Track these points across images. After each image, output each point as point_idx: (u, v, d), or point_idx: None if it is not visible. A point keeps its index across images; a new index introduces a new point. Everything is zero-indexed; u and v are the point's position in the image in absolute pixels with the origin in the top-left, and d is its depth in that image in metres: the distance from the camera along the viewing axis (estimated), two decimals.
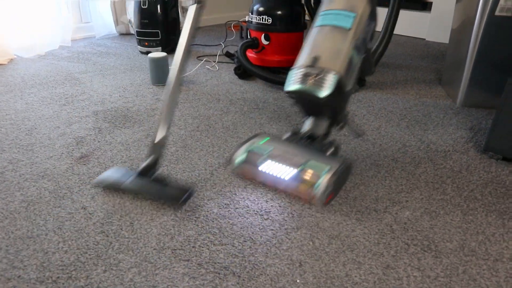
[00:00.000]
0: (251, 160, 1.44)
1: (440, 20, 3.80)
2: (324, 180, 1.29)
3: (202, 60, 3.14)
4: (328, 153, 1.47)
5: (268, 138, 1.50)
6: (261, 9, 2.61)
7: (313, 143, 1.50)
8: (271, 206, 1.35)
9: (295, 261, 1.12)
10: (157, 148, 1.42)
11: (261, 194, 1.42)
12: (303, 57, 1.45)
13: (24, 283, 1.04)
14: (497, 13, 1.97)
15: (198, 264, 1.10)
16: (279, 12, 2.57)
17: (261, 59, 2.71)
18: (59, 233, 1.21)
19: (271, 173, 1.40)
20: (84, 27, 3.89)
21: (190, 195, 1.40)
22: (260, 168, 1.42)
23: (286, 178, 1.36)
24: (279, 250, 1.16)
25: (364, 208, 1.35)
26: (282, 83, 2.55)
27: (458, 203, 1.39)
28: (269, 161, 1.41)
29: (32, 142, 1.76)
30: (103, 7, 3.88)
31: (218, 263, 1.11)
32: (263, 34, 2.64)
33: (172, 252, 1.15)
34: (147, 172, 1.42)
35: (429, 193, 1.44)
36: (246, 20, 2.90)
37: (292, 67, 1.48)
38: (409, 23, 4.05)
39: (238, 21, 4.16)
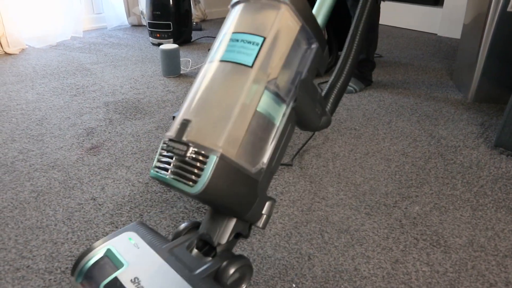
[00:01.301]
0: (93, 278, 0.87)
1: (452, 15, 3.77)
2: None
3: None
4: (225, 282, 0.88)
5: (131, 239, 0.94)
6: None
7: (205, 258, 0.92)
8: (281, 199, 1.35)
9: (304, 255, 1.12)
10: None
11: (270, 187, 1.42)
12: (176, 120, 0.87)
13: (33, 273, 1.04)
14: (509, 9, 1.95)
15: None
16: None
17: None
18: (68, 224, 1.22)
19: None
20: (96, 18, 3.90)
21: None
22: None
23: None
24: (288, 244, 1.16)
25: (374, 203, 1.35)
26: None
27: (468, 198, 1.38)
28: None
29: (42, 132, 1.76)
30: None
31: None
32: None
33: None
34: None
35: (439, 188, 1.44)
36: None
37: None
38: (421, 18, 4.02)
39: None
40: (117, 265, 0.87)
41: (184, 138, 0.80)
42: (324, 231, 1.21)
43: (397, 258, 1.11)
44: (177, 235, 0.99)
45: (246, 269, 0.92)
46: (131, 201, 1.33)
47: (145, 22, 3.88)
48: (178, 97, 2.19)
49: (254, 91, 0.84)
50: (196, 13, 4.30)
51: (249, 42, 0.87)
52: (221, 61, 0.88)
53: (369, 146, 1.71)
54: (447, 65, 2.89)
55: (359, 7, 1.13)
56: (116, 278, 0.83)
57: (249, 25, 0.90)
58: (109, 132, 1.78)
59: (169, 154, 0.82)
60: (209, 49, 3.15)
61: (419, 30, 4.09)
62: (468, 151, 1.69)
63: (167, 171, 0.82)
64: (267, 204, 0.93)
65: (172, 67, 2.52)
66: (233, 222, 0.92)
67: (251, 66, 0.84)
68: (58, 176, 1.46)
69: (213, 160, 0.78)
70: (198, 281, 0.83)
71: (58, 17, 3.34)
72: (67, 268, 1.06)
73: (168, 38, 3.29)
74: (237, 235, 0.95)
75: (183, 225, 1.00)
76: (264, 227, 0.94)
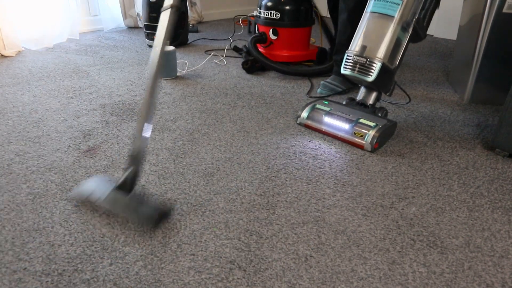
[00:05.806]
0: (316, 114, 1.87)
1: (448, 16, 3.78)
2: (371, 132, 1.68)
3: (210, 54, 3.14)
4: (380, 115, 1.82)
5: (327, 102, 1.95)
6: (269, 4, 2.61)
7: (365, 108, 1.87)
8: (277, 200, 1.35)
9: (301, 256, 1.12)
10: (136, 159, 1.28)
11: (267, 188, 1.42)
12: (355, 43, 1.80)
13: (30, 275, 1.04)
14: (505, 10, 1.96)
15: (204, 258, 1.11)
16: (287, 7, 2.57)
17: (269, 53, 2.71)
18: (65, 226, 1.22)
19: (332, 124, 1.80)
20: (92, 20, 3.90)
21: (164, 216, 1.26)
22: (324, 119, 1.83)
23: (345, 128, 1.76)
24: (285, 245, 1.16)
25: (371, 204, 1.35)
26: (293, 73, 2.57)
27: (464, 199, 1.39)
28: (330, 116, 1.82)
29: (39, 134, 1.76)
30: (111, 0, 3.88)
31: (224, 257, 1.11)
32: (271, 29, 2.64)
33: (178, 246, 1.15)
34: (125, 187, 1.28)
35: (436, 189, 1.44)
36: (255, 14, 2.90)
37: (348, 50, 1.82)
38: None
39: (247, 15, 4.15)
40: (327, 108, 1.87)
41: (364, 54, 1.74)
42: (321, 232, 1.21)
43: (394, 259, 1.12)
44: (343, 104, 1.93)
45: (387, 111, 1.89)
46: None
47: (141, 24, 3.88)
48: (174, 99, 2.19)
49: (395, 29, 1.71)
50: (192, 15, 4.31)
51: (393, 3, 1.71)
52: (377, 13, 1.75)
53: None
54: (443, 66, 2.90)
55: None
56: (329, 112, 1.85)
57: None
58: (106, 134, 1.78)
59: (355, 61, 1.76)
60: (206, 51, 3.17)
61: None
62: (464, 152, 1.69)
63: (354, 70, 1.76)
64: (391, 85, 1.84)
65: (168, 69, 2.52)
66: (376, 93, 1.86)
67: (395, 16, 1.70)
68: (54, 178, 1.46)
69: (379, 65, 1.71)
70: (374, 114, 1.83)
71: (55, 19, 3.33)
72: (64, 270, 1.06)
73: None
74: (377, 99, 1.88)
75: (344, 101, 1.94)
76: (390, 94, 1.89)
